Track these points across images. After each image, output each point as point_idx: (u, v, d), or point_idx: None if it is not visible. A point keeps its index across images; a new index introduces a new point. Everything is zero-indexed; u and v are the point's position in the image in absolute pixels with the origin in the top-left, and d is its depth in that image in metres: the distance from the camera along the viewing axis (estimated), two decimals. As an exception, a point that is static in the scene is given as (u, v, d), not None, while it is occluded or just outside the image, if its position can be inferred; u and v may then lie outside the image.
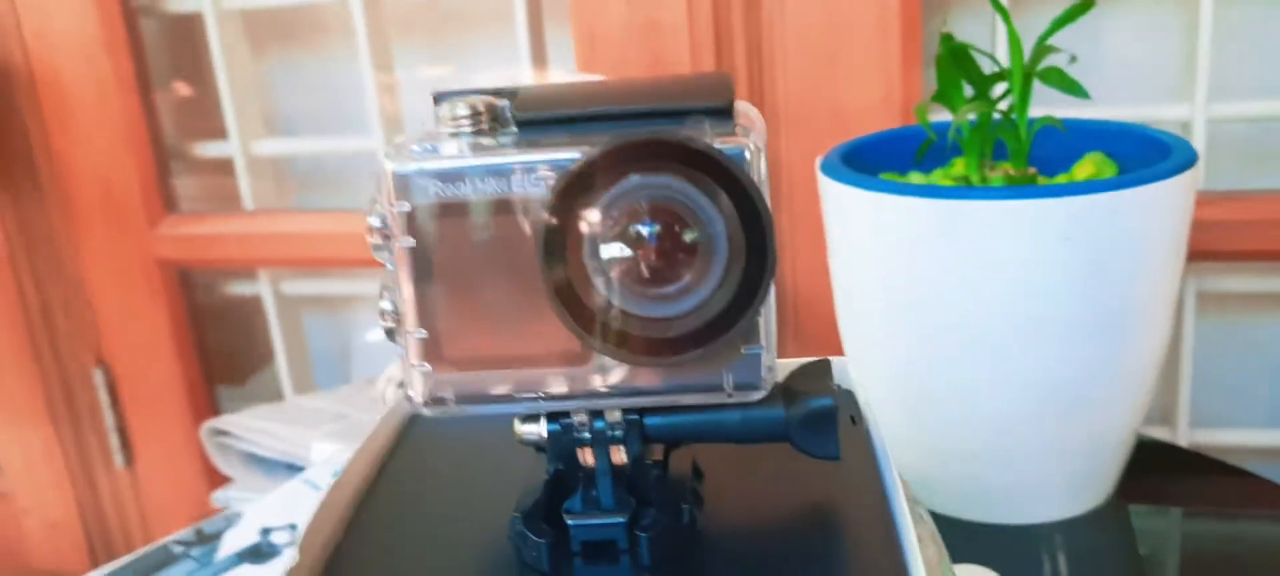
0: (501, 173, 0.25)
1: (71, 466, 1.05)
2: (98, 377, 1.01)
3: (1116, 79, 0.76)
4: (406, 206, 0.26)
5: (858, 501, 0.30)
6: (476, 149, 0.26)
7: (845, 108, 0.75)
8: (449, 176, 0.25)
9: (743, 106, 0.27)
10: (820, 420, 0.27)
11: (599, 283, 0.25)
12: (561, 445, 0.28)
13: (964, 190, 0.51)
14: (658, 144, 0.23)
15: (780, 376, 0.29)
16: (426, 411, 0.27)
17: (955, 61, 0.58)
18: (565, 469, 0.29)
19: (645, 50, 0.77)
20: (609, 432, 0.28)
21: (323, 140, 0.97)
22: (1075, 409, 0.53)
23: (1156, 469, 0.62)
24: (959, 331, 0.52)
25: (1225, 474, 0.62)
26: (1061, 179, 0.58)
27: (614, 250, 0.24)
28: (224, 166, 0.97)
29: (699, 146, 0.23)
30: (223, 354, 1.04)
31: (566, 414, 0.28)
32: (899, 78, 0.74)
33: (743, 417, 0.28)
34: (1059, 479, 0.56)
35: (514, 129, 0.27)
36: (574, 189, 0.24)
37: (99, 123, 0.92)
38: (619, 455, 0.28)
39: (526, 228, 0.25)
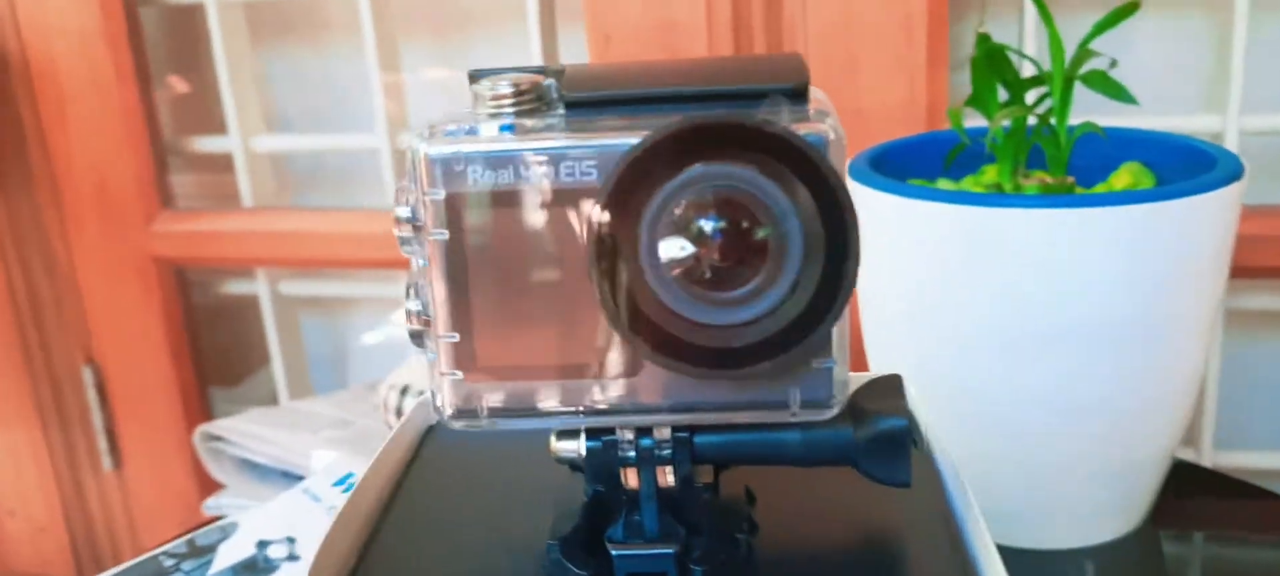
0: (548, 158, 0.22)
1: (58, 468, 1.02)
2: (87, 377, 0.98)
3: (1144, 88, 0.74)
4: (441, 194, 0.23)
5: (924, 531, 0.27)
6: (520, 131, 0.23)
7: (868, 110, 0.72)
8: (489, 161, 0.23)
9: (815, 91, 0.24)
10: (892, 443, 0.25)
11: (656, 284, 0.22)
12: (602, 464, 0.25)
13: (1003, 198, 0.49)
14: (729, 127, 0.20)
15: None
16: (455, 424, 0.24)
17: (991, 64, 0.56)
18: (606, 491, 0.26)
19: (662, 50, 0.74)
20: (656, 452, 0.25)
21: (325, 137, 0.94)
22: (1108, 427, 0.50)
23: (1185, 492, 0.59)
24: (990, 343, 0.49)
25: (1257, 498, 0.60)
26: (1100, 188, 0.56)
27: (673, 248, 0.22)
28: (222, 162, 0.94)
29: (776, 131, 0.20)
30: (217, 355, 1.01)
31: (608, 430, 0.25)
32: (924, 80, 0.71)
33: (805, 438, 0.25)
34: (1089, 501, 0.53)
35: (561, 110, 0.24)
36: (630, 177, 0.21)
37: (95, 115, 0.89)
38: (666, 477, 0.25)
39: (574, 220, 0.23)
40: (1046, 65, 0.54)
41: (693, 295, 0.22)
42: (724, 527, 0.25)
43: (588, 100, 0.23)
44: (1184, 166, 0.54)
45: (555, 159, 0.22)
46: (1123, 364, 0.49)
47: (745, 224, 0.21)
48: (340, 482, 0.51)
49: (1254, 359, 0.79)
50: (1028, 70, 0.56)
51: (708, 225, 0.21)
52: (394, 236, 0.24)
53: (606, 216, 0.21)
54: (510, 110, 0.24)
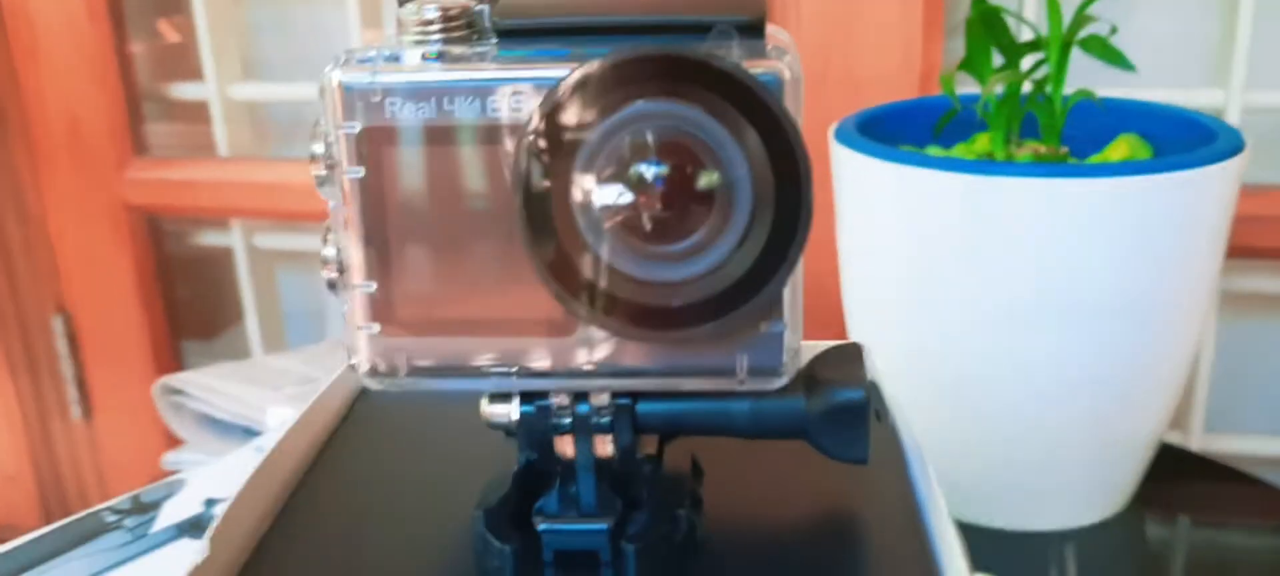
0: (474, 91, 0.20)
1: (27, 417, 1.00)
2: (57, 326, 0.96)
3: (1145, 59, 0.71)
4: (356, 127, 0.21)
5: (883, 510, 0.25)
6: (446, 61, 0.21)
7: (860, 74, 0.70)
8: (410, 92, 0.20)
9: (774, 28, 0.22)
10: (848, 416, 0.23)
11: (589, 235, 0.20)
12: (536, 431, 0.23)
13: (995, 166, 0.47)
14: (671, 61, 0.18)
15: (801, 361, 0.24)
16: (372, 383, 0.22)
17: (987, 27, 0.54)
18: (539, 460, 0.24)
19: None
20: (594, 419, 0.23)
21: (305, 86, 0.92)
22: (1097, 406, 0.49)
23: (1170, 475, 0.58)
24: (978, 317, 0.47)
25: (1241, 482, 0.58)
26: (1096, 159, 0.54)
27: (609, 194, 0.19)
28: (199, 110, 0.92)
29: (724, 68, 0.18)
30: (191, 307, 0.99)
31: (544, 394, 0.23)
32: (919, 45, 0.69)
33: (754, 409, 0.23)
34: (1075, 482, 0.52)
35: (493, 39, 0.22)
36: (562, 114, 0.19)
37: (68, 56, 0.87)
38: (605, 446, 0.23)
39: (503, 161, 0.21)
40: (1044, 30, 0.52)
41: (630, 247, 0.20)
42: (664, 502, 0.23)
43: (521, 29, 0.21)
44: (1183, 140, 0.52)
45: (482, 92, 0.20)
46: (1114, 342, 0.47)
47: (689, 170, 0.19)
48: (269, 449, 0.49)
49: (1248, 342, 0.77)
50: (1025, 34, 0.54)
51: (648, 170, 0.19)
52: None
53: (535, 157, 0.19)
54: (437, 38, 0.21)
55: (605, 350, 0.21)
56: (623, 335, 0.20)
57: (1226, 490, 0.58)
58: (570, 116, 0.19)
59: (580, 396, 0.23)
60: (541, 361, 0.22)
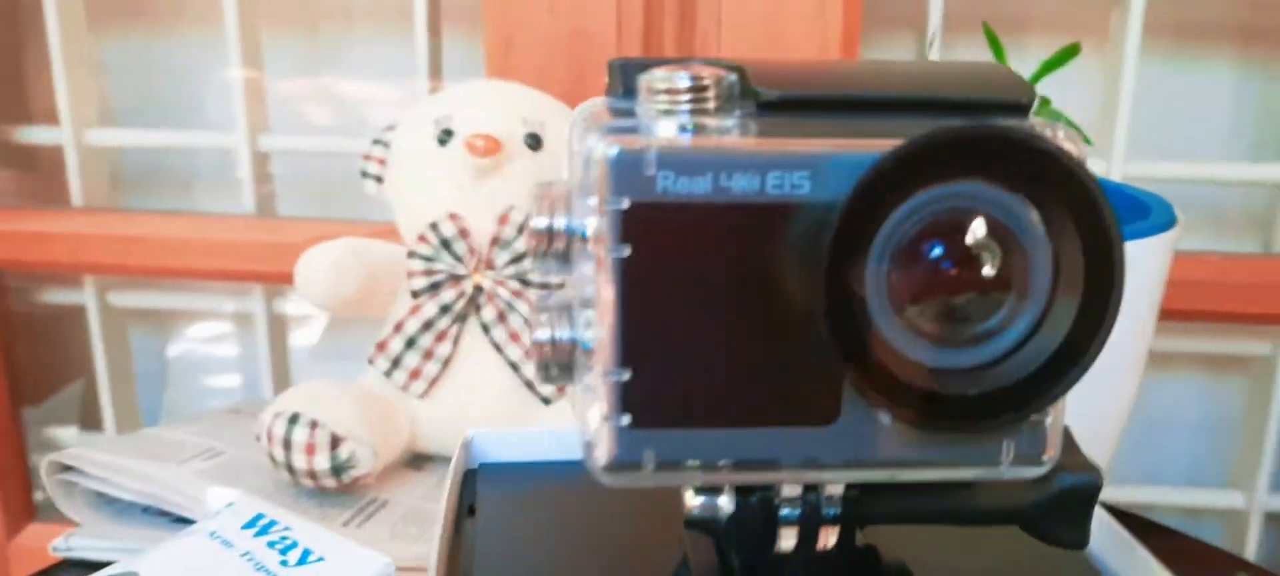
0: (756, 165, 0.19)
1: None
2: (-127, 393, 0.85)
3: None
4: (624, 203, 0.19)
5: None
6: (708, 133, 0.19)
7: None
8: (686, 166, 0.18)
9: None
10: (1077, 502, 0.22)
11: (882, 321, 0.18)
12: (749, 525, 0.21)
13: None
14: (994, 139, 0.17)
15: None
16: (608, 479, 0.20)
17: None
18: (748, 555, 0.22)
19: (569, 57, 0.71)
20: (822, 511, 0.21)
21: (168, 133, 0.85)
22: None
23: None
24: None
25: (1163, 536, 0.61)
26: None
27: (914, 278, 0.18)
28: (50, 156, 0.84)
29: (1047, 147, 0.17)
30: (24, 368, 0.90)
31: (761, 488, 0.21)
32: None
33: (982, 495, 0.22)
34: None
35: (742, 111, 0.20)
36: (871, 193, 0.18)
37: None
38: (828, 538, 0.21)
39: (774, 241, 0.19)
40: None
41: (924, 333, 0.18)
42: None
43: (791, 101, 0.19)
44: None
45: (763, 166, 0.19)
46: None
47: (991, 252, 0.18)
48: (250, 525, 0.45)
49: (1143, 398, 0.81)
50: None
51: (953, 252, 0.18)
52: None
53: (842, 239, 0.18)
54: (686, 108, 0.19)
55: (865, 439, 0.20)
56: (926, 428, 0.19)
57: (1156, 544, 0.61)
58: (879, 195, 0.18)
59: (810, 487, 0.21)
60: (796, 453, 0.20)
